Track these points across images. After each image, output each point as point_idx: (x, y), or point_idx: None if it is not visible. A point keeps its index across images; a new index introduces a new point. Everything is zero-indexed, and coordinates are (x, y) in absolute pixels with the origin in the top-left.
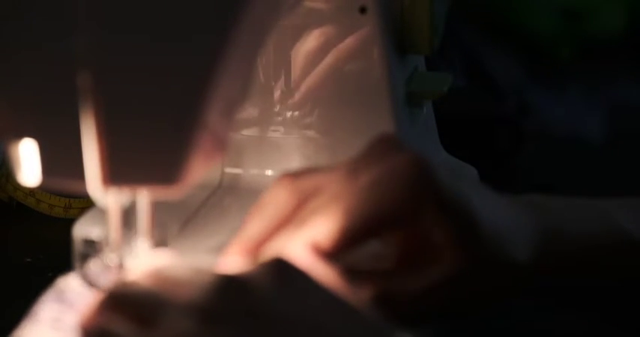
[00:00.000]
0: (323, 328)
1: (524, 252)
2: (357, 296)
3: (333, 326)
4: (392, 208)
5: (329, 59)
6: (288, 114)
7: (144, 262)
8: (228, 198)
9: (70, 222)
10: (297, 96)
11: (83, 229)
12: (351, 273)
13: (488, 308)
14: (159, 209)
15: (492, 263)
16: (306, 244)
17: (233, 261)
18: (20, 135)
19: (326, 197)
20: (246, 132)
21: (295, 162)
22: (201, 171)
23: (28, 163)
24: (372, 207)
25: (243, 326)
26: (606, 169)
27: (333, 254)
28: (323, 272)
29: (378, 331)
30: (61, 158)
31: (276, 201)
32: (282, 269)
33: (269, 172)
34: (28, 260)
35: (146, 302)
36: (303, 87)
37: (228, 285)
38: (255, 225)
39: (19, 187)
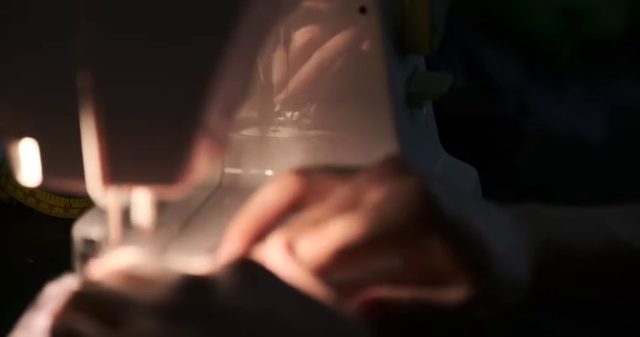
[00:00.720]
0: (291, 328)
1: (527, 269)
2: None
3: (301, 326)
4: (392, 231)
5: (316, 58)
6: (288, 114)
7: (112, 260)
8: (228, 198)
9: (70, 222)
10: (287, 93)
11: (83, 229)
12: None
13: (499, 327)
14: (159, 209)
15: (502, 284)
16: (281, 246)
17: (229, 249)
18: (20, 135)
19: (328, 209)
20: (246, 132)
21: (295, 162)
22: (202, 171)
23: (28, 163)
24: (372, 227)
25: (206, 326)
26: (606, 169)
27: (329, 267)
28: (295, 274)
29: (350, 332)
30: (61, 158)
31: (279, 192)
32: (248, 270)
33: (269, 172)
34: (29, 260)
35: (111, 301)
36: (291, 84)
37: (192, 285)
38: (253, 212)
39: (19, 187)
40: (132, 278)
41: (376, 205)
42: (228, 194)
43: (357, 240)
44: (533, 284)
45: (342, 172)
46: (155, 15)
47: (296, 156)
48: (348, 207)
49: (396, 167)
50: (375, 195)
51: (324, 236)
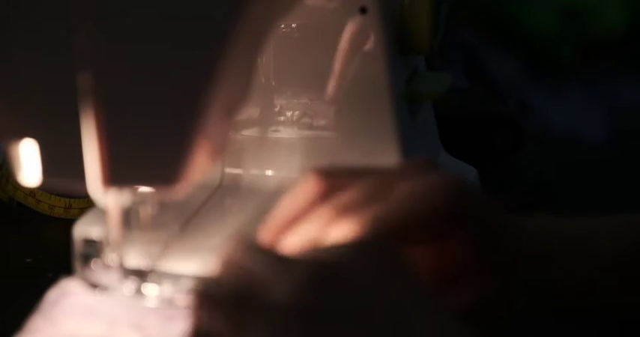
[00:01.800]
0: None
1: (543, 273)
2: None
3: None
4: (423, 220)
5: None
6: (288, 114)
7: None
8: (228, 198)
9: (70, 222)
10: (327, 102)
11: (83, 229)
12: None
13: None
14: (159, 209)
15: (515, 285)
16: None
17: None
18: (20, 135)
19: (356, 196)
20: (246, 132)
21: (295, 162)
22: (201, 171)
23: (29, 163)
24: (404, 214)
25: (348, 319)
26: (606, 169)
27: None
28: None
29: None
30: (62, 158)
31: (306, 194)
32: (378, 256)
33: (269, 172)
34: (28, 260)
35: (236, 299)
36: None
37: (321, 277)
38: (282, 215)
39: (19, 187)
40: (251, 273)
41: (409, 193)
42: (229, 194)
43: (389, 226)
44: (549, 289)
45: (364, 172)
46: (155, 16)
47: (296, 156)
48: (378, 194)
49: (427, 165)
50: (407, 185)
51: (356, 221)
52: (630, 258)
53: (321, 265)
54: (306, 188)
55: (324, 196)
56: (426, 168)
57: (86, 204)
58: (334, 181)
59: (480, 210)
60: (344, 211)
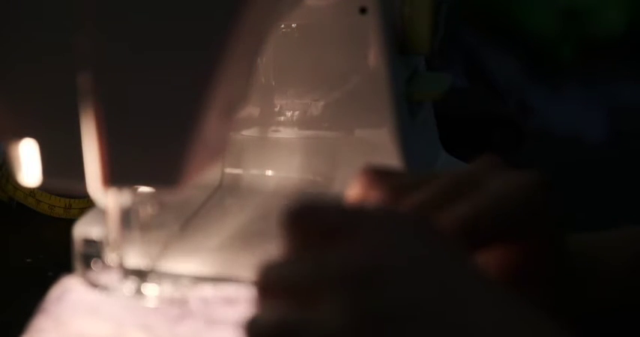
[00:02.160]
0: None
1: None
2: None
3: None
4: (515, 222)
5: None
6: (288, 114)
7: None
8: (228, 199)
9: (70, 223)
10: None
11: (83, 229)
12: None
13: None
14: (159, 209)
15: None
16: None
17: None
18: (20, 135)
19: (435, 196)
20: (246, 132)
21: (295, 162)
22: (201, 171)
23: (28, 163)
24: (495, 215)
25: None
26: (606, 169)
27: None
28: None
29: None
30: (62, 158)
31: (369, 197)
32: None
33: (269, 172)
34: (28, 260)
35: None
36: None
37: (370, 286)
38: None
39: (19, 187)
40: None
41: (501, 191)
42: (229, 194)
43: (477, 226)
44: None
45: (422, 175)
46: (155, 16)
47: (296, 156)
48: (459, 193)
49: (500, 163)
50: (496, 183)
51: (450, 215)
52: (632, 270)
53: (366, 271)
54: (368, 190)
55: (393, 197)
56: (501, 166)
57: (86, 204)
58: (397, 182)
59: (558, 214)
60: (423, 212)
